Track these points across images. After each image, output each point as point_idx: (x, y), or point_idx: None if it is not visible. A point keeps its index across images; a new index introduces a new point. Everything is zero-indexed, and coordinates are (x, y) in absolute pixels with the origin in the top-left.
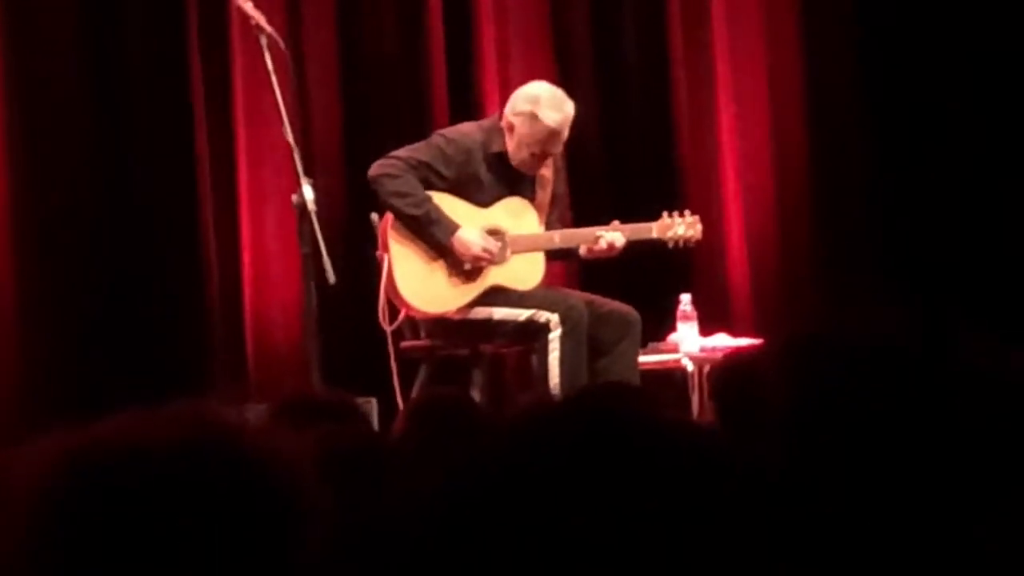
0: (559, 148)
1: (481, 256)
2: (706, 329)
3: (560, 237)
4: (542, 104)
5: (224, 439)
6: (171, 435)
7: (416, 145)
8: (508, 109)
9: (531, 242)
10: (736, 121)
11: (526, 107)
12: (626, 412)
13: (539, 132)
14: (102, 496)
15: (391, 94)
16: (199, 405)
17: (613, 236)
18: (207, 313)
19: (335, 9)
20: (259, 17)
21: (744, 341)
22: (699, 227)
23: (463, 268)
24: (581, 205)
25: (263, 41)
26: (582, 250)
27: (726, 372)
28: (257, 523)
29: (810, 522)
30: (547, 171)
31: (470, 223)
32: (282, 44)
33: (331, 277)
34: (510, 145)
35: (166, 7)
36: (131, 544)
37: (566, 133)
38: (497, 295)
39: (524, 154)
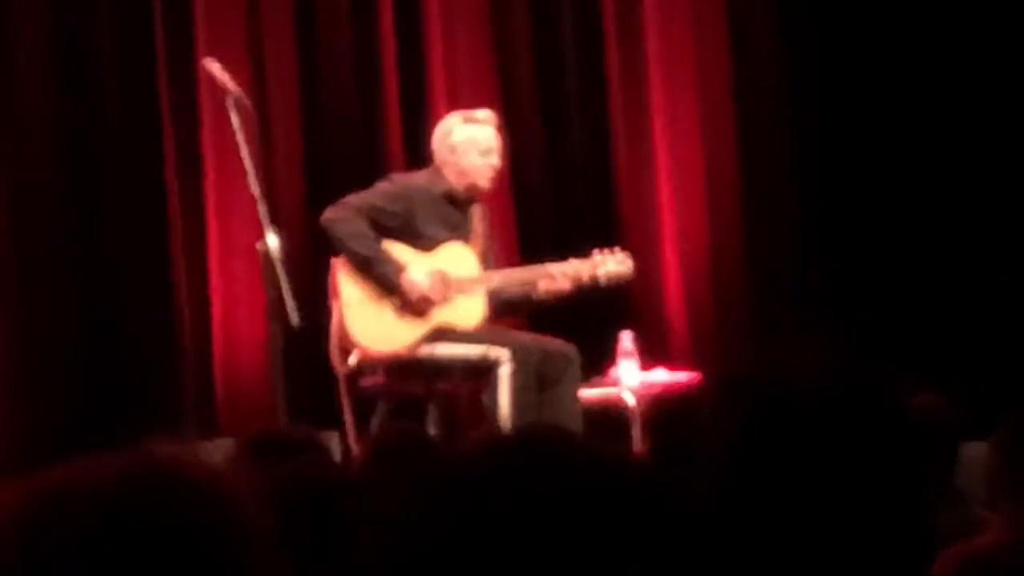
0: (497, 146)
1: (427, 295)
2: (646, 364)
3: (499, 277)
4: (462, 113)
5: (170, 478)
6: (118, 478)
7: (365, 191)
8: (436, 142)
9: (472, 283)
10: (672, 167)
11: (453, 120)
12: (568, 449)
13: (472, 130)
14: (54, 540)
15: (350, 148)
16: (150, 446)
17: (571, 268)
18: (179, 353)
19: (297, 71)
20: (226, 78)
21: (682, 375)
22: (630, 263)
23: (410, 308)
24: (524, 248)
25: (230, 100)
26: (542, 285)
27: (660, 410)
28: (203, 558)
29: (741, 556)
30: (478, 223)
31: (415, 266)
32: (248, 103)
33: (295, 319)
34: (452, 176)
35: (139, 69)
36: None
37: (497, 137)
38: (446, 334)
39: (467, 163)
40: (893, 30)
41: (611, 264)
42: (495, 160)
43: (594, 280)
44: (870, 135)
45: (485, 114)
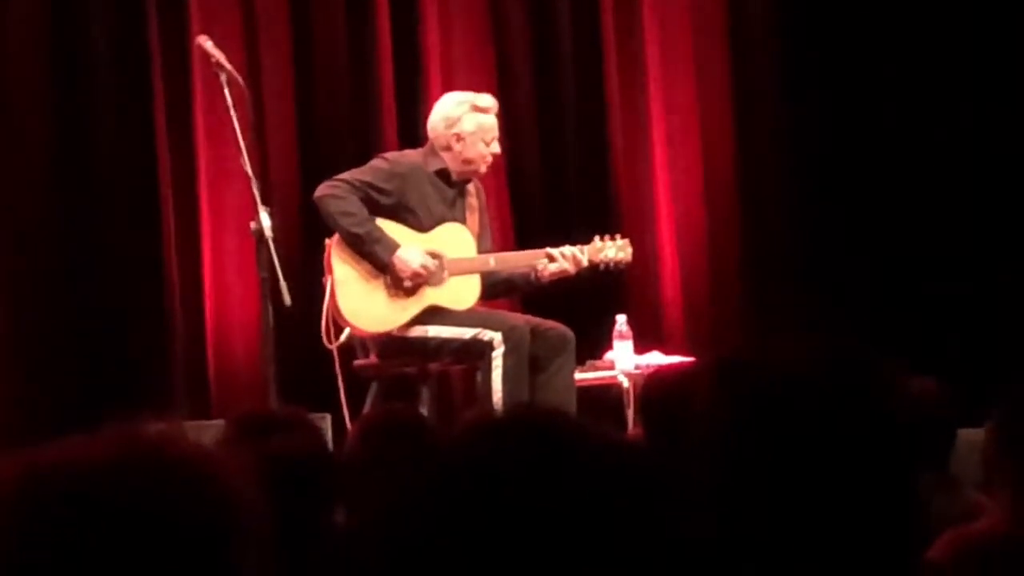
0: (498, 133)
1: (419, 272)
2: (640, 347)
3: (495, 260)
4: (469, 97)
5: (159, 456)
6: (108, 456)
7: (359, 168)
8: (439, 126)
9: (467, 265)
10: (668, 152)
11: (461, 107)
12: (561, 430)
13: (481, 119)
14: (43, 518)
15: (344, 128)
16: (139, 424)
17: (571, 251)
18: (170, 333)
19: (291, 48)
20: (219, 56)
21: (676, 359)
22: (629, 250)
23: (403, 287)
24: (520, 232)
25: (223, 78)
26: (545, 268)
27: (653, 391)
28: (193, 537)
29: (735, 537)
30: (473, 199)
31: (408, 246)
32: (241, 81)
33: (287, 300)
34: (451, 160)
35: (132, 47)
36: (72, 566)
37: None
38: (440, 315)
39: (473, 152)
40: (891, 21)
41: (611, 250)
42: (497, 148)
43: (594, 266)
44: (868, 124)
45: (490, 101)
